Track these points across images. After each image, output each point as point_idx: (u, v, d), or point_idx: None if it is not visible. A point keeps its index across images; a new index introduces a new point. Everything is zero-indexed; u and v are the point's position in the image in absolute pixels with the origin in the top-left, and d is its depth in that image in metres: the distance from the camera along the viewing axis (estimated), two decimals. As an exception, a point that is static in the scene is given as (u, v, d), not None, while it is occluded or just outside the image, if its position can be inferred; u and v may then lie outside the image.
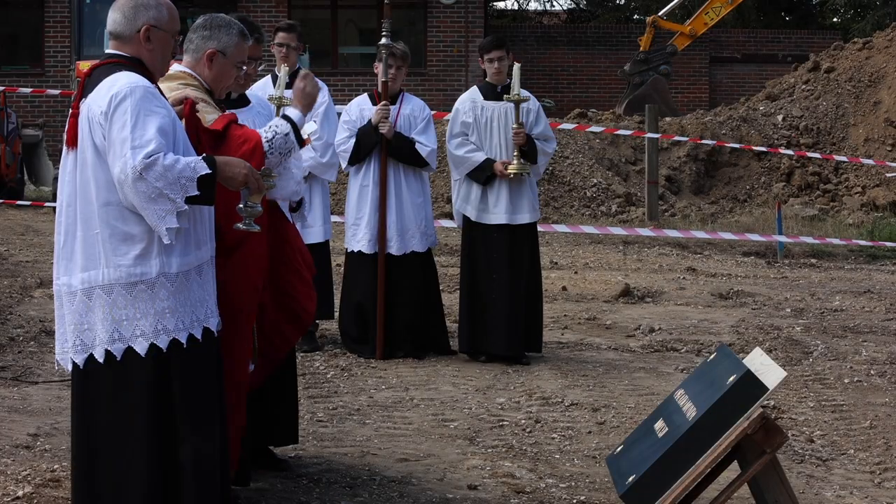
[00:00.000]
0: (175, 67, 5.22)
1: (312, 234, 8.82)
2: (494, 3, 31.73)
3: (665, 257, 14.74)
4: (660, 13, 22.81)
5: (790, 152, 17.46)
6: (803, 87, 21.14)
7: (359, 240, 8.85)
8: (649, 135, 15.66)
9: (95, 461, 4.37)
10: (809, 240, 14.82)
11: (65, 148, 4.39)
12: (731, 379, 4.87)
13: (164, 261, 4.28)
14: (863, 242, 15.15)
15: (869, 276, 13.62)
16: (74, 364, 4.36)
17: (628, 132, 15.51)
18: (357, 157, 8.82)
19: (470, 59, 23.77)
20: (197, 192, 4.21)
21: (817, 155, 18.28)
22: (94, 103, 4.29)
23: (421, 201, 8.88)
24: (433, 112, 9.31)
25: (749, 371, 4.88)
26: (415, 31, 24.98)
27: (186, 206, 4.22)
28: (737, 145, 16.22)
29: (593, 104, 24.30)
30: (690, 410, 4.99)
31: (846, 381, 8.18)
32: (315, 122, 8.72)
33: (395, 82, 8.83)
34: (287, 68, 8.70)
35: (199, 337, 4.37)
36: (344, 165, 8.93)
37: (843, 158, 18.30)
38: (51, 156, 20.81)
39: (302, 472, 5.94)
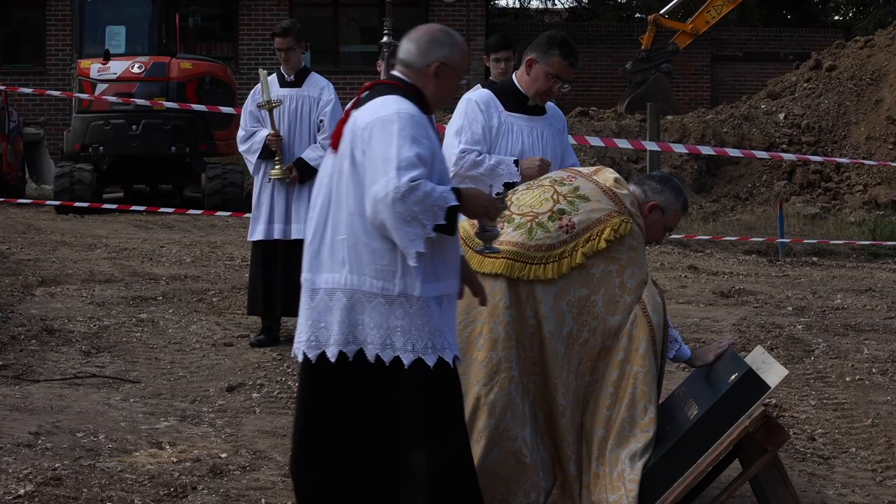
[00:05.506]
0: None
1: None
2: (496, 1, 31.74)
3: (666, 255, 14.72)
4: (661, 11, 22.77)
5: (792, 156, 17.43)
6: (805, 85, 21.13)
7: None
8: (648, 144, 15.63)
9: (320, 452, 4.48)
10: (811, 240, 14.80)
11: (329, 150, 4.50)
12: (733, 377, 4.87)
13: (407, 282, 4.33)
14: (864, 242, 15.13)
15: (870, 275, 13.61)
16: (306, 358, 4.44)
17: (627, 145, 15.46)
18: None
19: (471, 57, 23.77)
20: (444, 222, 4.27)
21: (819, 158, 18.26)
22: (361, 117, 4.39)
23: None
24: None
25: (751, 369, 4.88)
26: (416, 30, 24.99)
27: (434, 234, 4.28)
28: (737, 152, 16.15)
29: (595, 102, 24.28)
30: (692, 409, 4.99)
31: (848, 379, 8.18)
32: (323, 119, 8.74)
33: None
34: (265, 72, 8.62)
35: (430, 364, 4.35)
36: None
37: (845, 160, 18.28)
38: (52, 154, 20.83)
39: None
